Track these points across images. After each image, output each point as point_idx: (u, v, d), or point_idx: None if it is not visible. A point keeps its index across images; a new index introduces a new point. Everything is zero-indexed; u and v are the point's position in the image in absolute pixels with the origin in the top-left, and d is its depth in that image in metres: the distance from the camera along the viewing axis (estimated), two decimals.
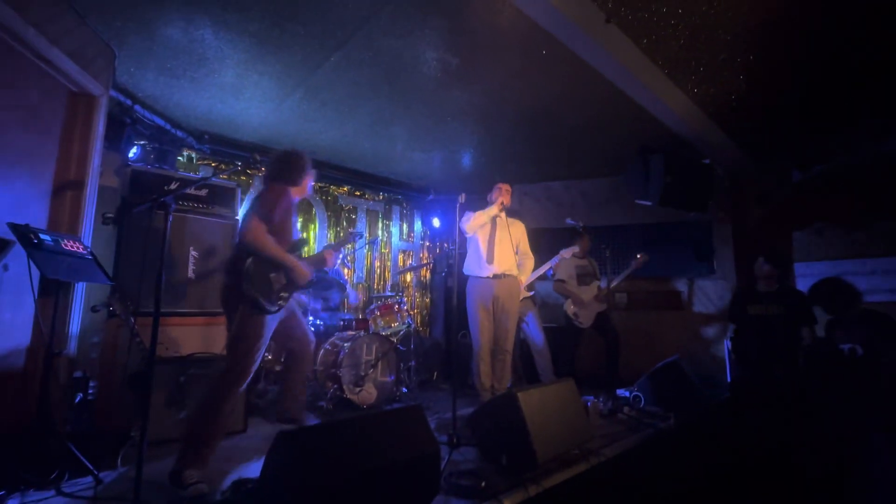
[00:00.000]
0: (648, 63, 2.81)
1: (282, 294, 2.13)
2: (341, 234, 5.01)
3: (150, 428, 2.42)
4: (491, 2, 2.26)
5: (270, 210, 2.08)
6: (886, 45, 2.73)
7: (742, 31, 2.54)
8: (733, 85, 3.11)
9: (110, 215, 2.89)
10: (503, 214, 3.29)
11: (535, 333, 3.86)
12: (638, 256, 4.09)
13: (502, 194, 3.30)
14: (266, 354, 3.51)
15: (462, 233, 3.23)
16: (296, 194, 2.28)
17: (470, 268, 3.37)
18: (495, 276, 3.23)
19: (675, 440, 2.79)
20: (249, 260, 2.03)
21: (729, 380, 3.93)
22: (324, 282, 3.91)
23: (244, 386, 2.07)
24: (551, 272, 4.13)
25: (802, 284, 4.31)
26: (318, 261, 2.42)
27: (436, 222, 5.37)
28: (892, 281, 3.89)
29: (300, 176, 2.27)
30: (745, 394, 3.29)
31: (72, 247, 2.07)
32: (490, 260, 3.25)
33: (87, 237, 2.49)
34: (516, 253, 3.36)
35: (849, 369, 2.81)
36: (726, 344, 3.66)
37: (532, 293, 3.96)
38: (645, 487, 2.39)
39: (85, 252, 2.18)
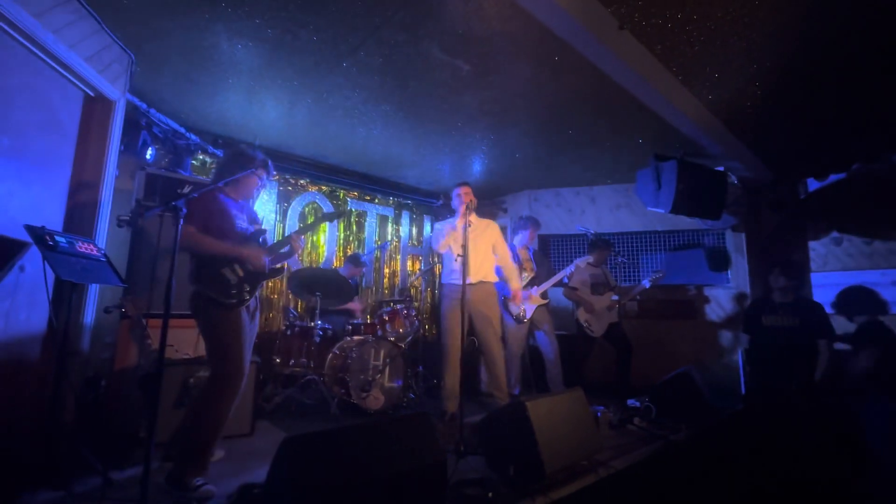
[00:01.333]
0: (662, 70, 2.78)
1: (244, 287, 2.10)
2: (351, 239, 5.03)
3: (159, 429, 2.47)
4: (503, 8, 2.26)
5: (191, 215, 2.03)
6: None
7: (757, 38, 2.50)
8: (748, 92, 3.06)
9: (125, 218, 2.93)
10: (473, 217, 3.13)
11: (548, 343, 3.82)
12: (656, 274, 4.02)
13: (463, 200, 3.15)
14: (275, 358, 3.53)
15: (435, 252, 3.23)
16: (230, 192, 2.23)
17: (445, 275, 3.36)
18: (469, 284, 3.10)
19: (686, 452, 2.73)
20: (195, 262, 2.08)
21: (743, 391, 3.84)
22: (333, 285, 3.91)
23: (241, 387, 2.03)
24: (567, 280, 4.11)
25: (819, 295, 4.22)
26: (284, 246, 2.36)
27: None
28: None
29: (232, 181, 2.20)
30: (759, 405, 3.21)
31: (86, 249, 2.10)
32: (465, 270, 3.13)
33: (102, 239, 2.53)
34: (496, 255, 3.35)
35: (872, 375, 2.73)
36: (740, 354, 3.58)
37: (547, 301, 3.93)
38: (655, 501, 2.34)
39: (99, 254, 2.21)
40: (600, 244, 4.08)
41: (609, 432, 2.89)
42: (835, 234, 4.24)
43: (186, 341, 2.99)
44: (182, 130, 3.53)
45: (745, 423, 2.97)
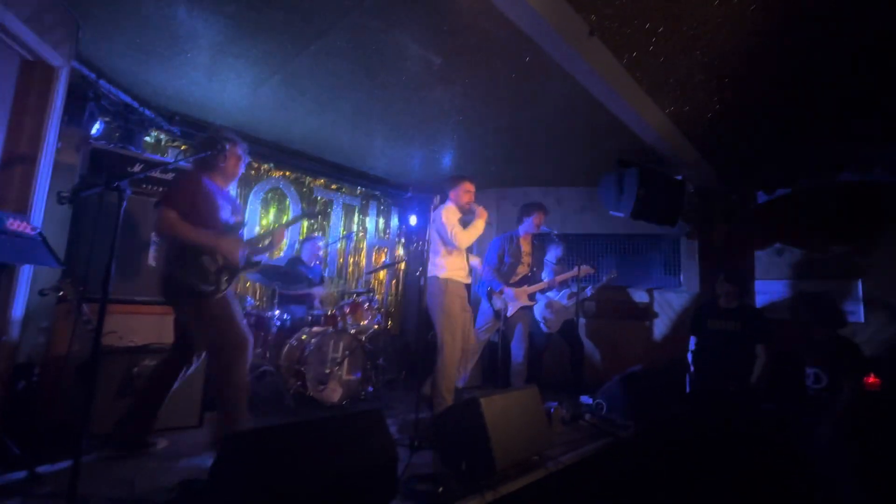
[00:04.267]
0: (628, 78, 2.85)
1: (222, 277, 2.09)
2: (315, 229, 4.91)
3: (97, 420, 2.34)
4: (477, 4, 2.24)
5: (174, 197, 2.06)
6: (847, 84, 2.86)
7: (718, 54, 2.61)
8: (708, 105, 3.20)
9: (65, 194, 2.73)
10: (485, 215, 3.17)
11: (519, 344, 3.67)
12: (613, 272, 4.13)
13: (473, 199, 3.18)
14: None
15: (451, 246, 3.04)
16: (217, 178, 2.24)
17: (450, 271, 3.10)
18: (468, 285, 3.22)
19: (632, 449, 2.86)
20: (175, 247, 2.06)
21: (687, 391, 4.05)
22: (292, 275, 3.82)
23: (250, 352, 2.11)
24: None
25: (761, 301, 4.49)
26: (265, 239, 2.38)
27: (413, 220, 5.33)
28: (846, 302, 4.09)
29: (214, 160, 2.20)
30: (700, 405, 3.40)
31: (17, 226, 1.95)
32: (468, 269, 3.24)
33: (38, 217, 2.34)
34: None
35: (811, 396, 2.92)
36: (688, 356, 3.77)
37: (533, 304, 3.82)
38: (600, 495, 2.44)
39: (33, 232, 2.05)
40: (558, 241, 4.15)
41: (561, 428, 2.97)
42: (778, 244, 4.52)
43: (133, 328, 2.84)
44: (135, 104, 3.32)
45: (687, 422, 3.14)
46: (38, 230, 2.10)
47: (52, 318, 2.62)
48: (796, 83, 2.92)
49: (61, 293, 2.46)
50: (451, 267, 3.10)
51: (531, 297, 3.71)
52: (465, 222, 3.14)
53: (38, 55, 2.28)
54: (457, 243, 3.01)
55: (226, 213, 2.20)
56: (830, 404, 2.79)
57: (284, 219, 4.62)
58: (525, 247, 3.76)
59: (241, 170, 2.35)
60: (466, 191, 3.16)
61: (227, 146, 2.23)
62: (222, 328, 2.07)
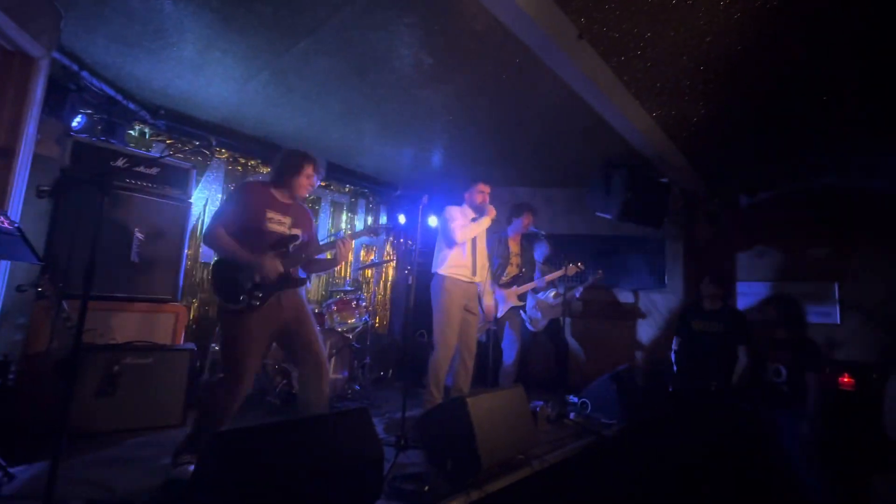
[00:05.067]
0: (616, 81, 2.89)
1: (255, 293, 2.02)
2: None
3: (77, 420, 2.30)
4: (468, 6, 2.25)
5: (225, 207, 2.11)
6: (828, 91, 2.94)
7: (704, 59, 2.66)
8: (693, 110, 3.26)
9: (45, 188, 2.68)
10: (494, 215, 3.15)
11: (511, 345, 3.68)
12: (599, 273, 4.14)
13: (486, 198, 3.18)
14: (213, 345, 3.36)
15: (450, 241, 3.04)
16: (282, 194, 2.23)
17: (450, 268, 3.07)
18: (472, 283, 3.13)
19: (615, 448, 2.90)
20: (214, 260, 2.07)
21: (670, 390, 4.13)
22: None
23: (243, 389, 2.00)
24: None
25: (742, 303, 4.59)
26: (327, 250, 2.27)
27: (402, 219, 5.31)
28: (821, 305, 4.20)
29: (282, 175, 2.24)
30: (683, 405, 3.47)
31: None
32: (473, 268, 3.13)
33: (16, 211, 2.28)
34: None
35: (774, 389, 3.01)
36: (671, 356, 3.84)
37: (523, 304, 3.84)
38: (584, 494, 2.47)
39: (11, 227, 1.99)
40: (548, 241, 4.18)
41: (546, 427, 3.01)
42: (759, 247, 4.62)
43: (114, 325, 2.79)
44: (118, 97, 3.25)
45: (669, 422, 3.20)
46: (17, 224, 2.04)
47: (29, 315, 2.56)
48: (778, 91, 2.99)
49: (40, 289, 2.40)
50: (451, 264, 3.06)
51: (521, 297, 3.73)
52: (467, 213, 3.19)
53: (18, 45, 2.22)
54: (455, 237, 3.01)
55: (277, 225, 2.15)
56: (800, 402, 2.87)
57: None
58: (514, 247, 3.79)
59: (312, 186, 2.31)
60: (480, 191, 3.19)
61: (294, 164, 2.24)
62: (227, 355, 2.04)
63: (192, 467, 1.83)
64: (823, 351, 3.01)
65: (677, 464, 2.78)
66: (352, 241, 2.35)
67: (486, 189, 3.20)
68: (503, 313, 3.65)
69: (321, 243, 2.34)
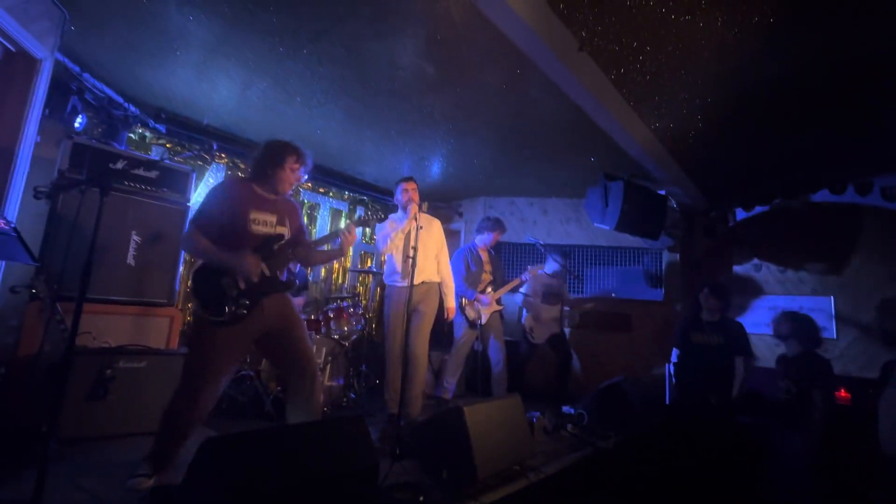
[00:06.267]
0: (616, 94, 2.92)
1: (242, 301, 1.89)
2: None
3: (68, 424, 2.26)
4: (470, 16, 2.28)
5: (204, 208, 1.95)
6: (824, 109, 2.98)
7: (702, 74, 2.69)
8: (691, 123, 3.29)
9: (43, 189, 2.66)
10: (418, 215, 2.97)
11: (497, 350, 3.79)
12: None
13: (411, 196, 3.08)
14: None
15: (380, 252, 3.12)
16: (265, 190, 2.08)
17: (387, 276, 3.24)
18: (414, 286, 2.97)
19: (612, 460, 2.88)
20: (196, 266, 1.94)
21: (667, 403, 4.11)
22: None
23: (207, 399, 1.88)
24: (527, 288, 4.15)
25: (737, 316, 4.60)
26: (330, 240, 2.12)
27: None
28: (817, 318, 4.20)
29: (264, 168, 2.06)
30: (681, 417, 3.44)
31: None
32: (407, 273, 3.01)
33: (13, 211, 2.27)
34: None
35: (783, 408, 2.98)
36: (668, 368, 3.83)
37: (501, 307, 3.92)
38: None
39: (7, 227, 1.98)
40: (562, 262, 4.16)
41: (543, 438, 2.98)
42: (755, 260, 4.64)
43: (108, 329, 2.76)
44: (119, 100, 3.25)
45: (667, 434, 3.17)
46: (13, 225, 2.03)
47: (22, 317, 2.53)
48: (773, 107, 3.03)
49: (34, 291, 2.38)
50: (387, 272, 3.24)
51: (498, 301, 3.88)
52: (397, 219, 3.23)
53: (21, 46, 2.23)
54: (379, 248, 3.18)
55: (260, 226, 2.00)
56: (804, 417, 2.86)
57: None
58: (484, 256, 3.98)
59: (296, 179, 2.15)
60: (405, 190, 3.16)
61: (273, 156, 2.08)
62: (188, 366, 1.89)
63: (151, 481, 1.77)
64: (830, 368, 3.00)
65: (675, 477, 2.76)
66: (355, 229, 2.18)
67: (411, 187, 3.16)
68: (486, 320, 3.77)
69: (321, 236, 2.22)
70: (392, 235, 3.08)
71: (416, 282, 2.99)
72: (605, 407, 3.36)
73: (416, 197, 3.12)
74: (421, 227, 2.80)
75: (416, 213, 2.92)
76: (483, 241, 3.97)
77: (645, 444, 3.15)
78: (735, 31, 2.31)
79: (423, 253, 3.13)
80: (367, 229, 5.53)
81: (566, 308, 4.15)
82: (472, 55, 2.62)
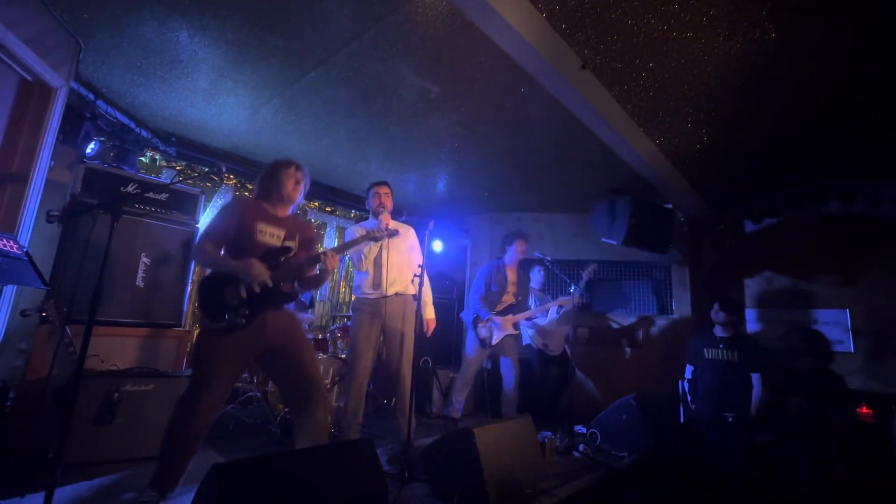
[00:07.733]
0: (620, 110, 2.94)
1: (241, 310, 1.89)
2: None
3: (75, 448, 2.23)
4: (474, 39, 2.32)
5: (214, 222, 2.03)
6: (828, 120, 2.98)
7: (705, 89, 2.70)
8: (696, 137, 3.29)
9: (55, 213, 2.70)
10: (392, 222, 2.79)
11: (510, 371, 3.64)
12: (593, 267, 3.86)
13: (382, 201, 2.82)
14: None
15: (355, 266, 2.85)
16: (274, 207, 2.11)
17: (357, 287, 2.92)
18: (385, 297, 2.79)
19: (628, 480, 2.79)
20: (205, 274, 1.96)
21: (682, 420, 4.01)
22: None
23: (206, 412, 1.87)
24: (557, 312, 4.08)
25: (750, 329, 4.51)
26: (310, 265, 2.08)
27: None
28: (833, 332, 4.12)
29: (268, 182, 2.13)
30: (696, 435, 3.35)
31: (4, 246, 1.90)
32: (378, 283, 2.80)
33: (25, 236, 2.30)
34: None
35: (798, 424, 2.90)
36: (680, 384, 3.74)
37: (518, 332, 3.81)
38: None
39: (19, 252, 2.00)
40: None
41: (555, 459, 2.90)
42: (767, 273, 4.57)
43: (116, 351, 2.76)
44: (131, 125, 3.33)
45: (682, 453, 3.08)
46: (25, 249, 2.05)
47: (31, 340, 2.54)
48: (779, 119, 3.02)
49: (44, 314, 2.39)
50: (356, 284, 2.95)
51: (515, 325, 3.74)
52: (368, 226, 2.89)
53: (38, 76, 2.30)
54: (355, 264, 2.88)
55: (267, 237, 2.03)
56: (821, 436, 2.77)
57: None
58: (511, 276, 3.81)
59: (298, 181, 2.16)
60: (376, 194, 2.88)
61: (272, 174, 2.13)
62: (193, 373, 1.89)
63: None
64: (845, 384, 2.91)
65: (693, 498, 2.67)
66: (338, 254, 2.14)
67: (384, 191, 2.87)
68: (498, 340, 3.64)
69: (304, 259, 2.13)
70: (365, 251, 2.79)
71: (388, 293, 2.81)
72: (618, 426, 3.28)
73: (389, 202, 2.84)
74: (395, 234, 2.54)
75: (387, 222, 2.70)
76: (510, 257, 3.82)
77: (660, 463, 3.06)
78: (737, 45, 2.32)
79: (397, 262, 2.87)
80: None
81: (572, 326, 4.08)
82: (476, 75, 2.66)
